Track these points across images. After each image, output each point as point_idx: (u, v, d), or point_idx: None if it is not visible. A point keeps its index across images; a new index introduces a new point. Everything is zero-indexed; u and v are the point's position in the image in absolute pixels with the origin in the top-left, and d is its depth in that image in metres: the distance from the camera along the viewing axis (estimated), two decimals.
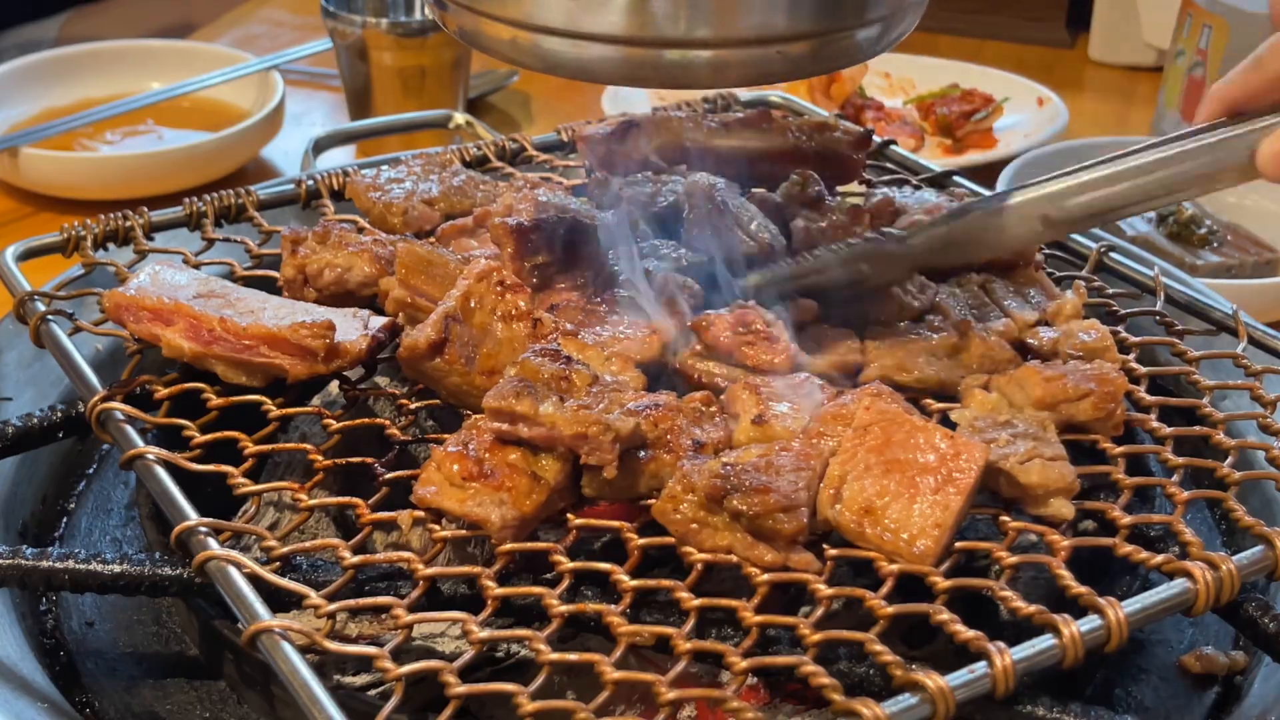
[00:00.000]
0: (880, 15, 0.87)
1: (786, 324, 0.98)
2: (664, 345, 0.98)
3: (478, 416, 0.88)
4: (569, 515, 0.84)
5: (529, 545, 0.81)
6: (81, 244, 1.11)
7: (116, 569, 0.85)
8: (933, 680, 0.67)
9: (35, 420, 0.99)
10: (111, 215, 1.13)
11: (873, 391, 0.90)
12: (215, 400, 0.92)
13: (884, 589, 0.76)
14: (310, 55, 2.09)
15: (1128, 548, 0.80)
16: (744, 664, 0.70)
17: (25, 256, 1.09)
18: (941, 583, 0.76)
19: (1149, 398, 0.96)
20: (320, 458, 0.88)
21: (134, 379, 0.94)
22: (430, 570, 0.78)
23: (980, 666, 0.69)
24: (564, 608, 0.75)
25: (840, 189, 1.24)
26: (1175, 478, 0.88)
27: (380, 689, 0.86)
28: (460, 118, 1.59)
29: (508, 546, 0.80)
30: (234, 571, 0.75)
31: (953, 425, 0.90)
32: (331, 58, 2.00)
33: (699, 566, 0.78)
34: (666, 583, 0.77)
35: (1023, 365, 0.95)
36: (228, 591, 0.75)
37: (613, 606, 0.75)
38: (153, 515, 0.95)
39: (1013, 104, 2.08)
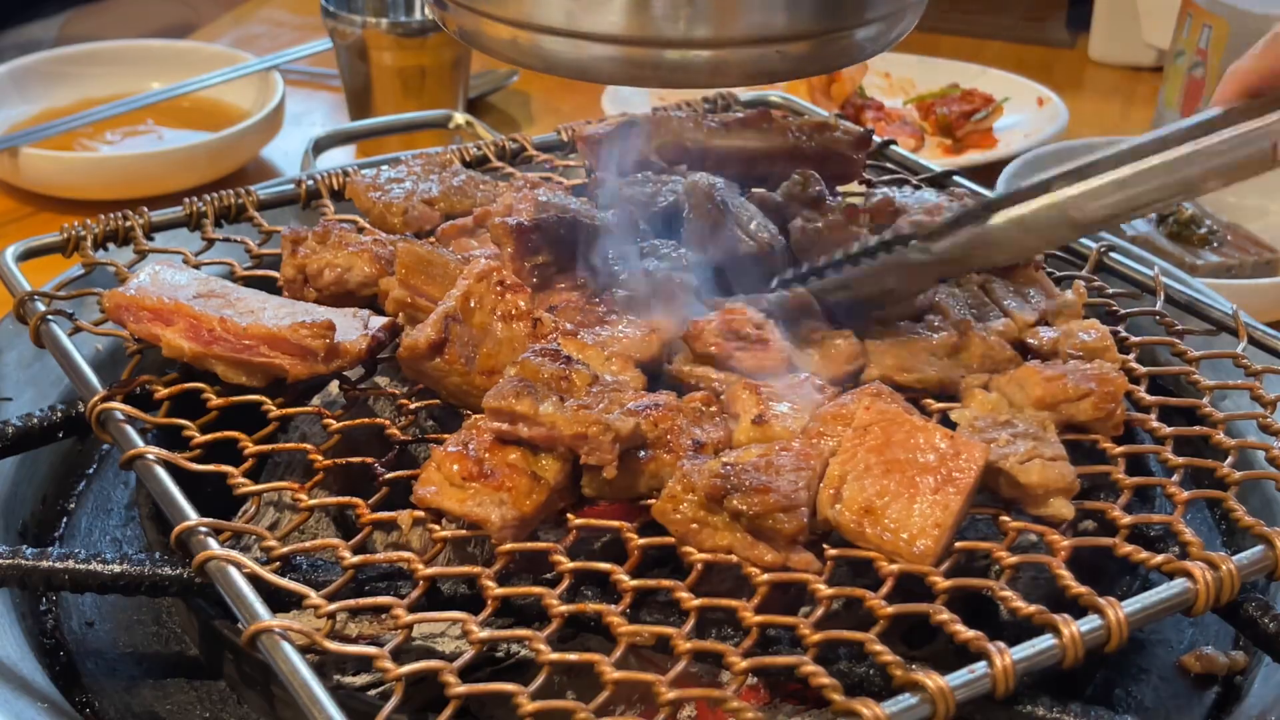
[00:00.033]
0: (880, 15, 0.87)
1: (778, 323, 0.98)
2: (664, 345, 0.98)
3: (478, 416, 0.88)
4: (569, 515, 0.84)
5: (529, 545, 0.81)
6: (81, 244, 1.11)
7: (116, 569, 0.85)
8: (933, 680, 0.67)
9: (35, 420, 0.99)
10: (111, 215, 1.13)
11: (873, 391, 0.90)
12: (215, 400, 0.92)
13: (884, 589, 0.76)
14: (310, 55, 2.09)
15: (1128, 548, 0.80)
16: (744, 664, 0.70)
17: (25, 256, 1.09)
18: (941, 583, 0.76)
19: (1149, 398, 0.96)
20: (320, 458, 0.88)
21: (134, 379, 0.94)
22: (430, 570, 0.78)
23: (980, 666, 0.69)
24: (564, 608, 0.75)
25: (840, 189, 1.24)
26: (1175, 478, 0.88)
27: (380, 689, 0.86)
28: (460, 118, 1.59)
29: (508, 546, 0.80)
30: (234, 571, 0.75)
31: (953, 425, 0.90)
32: (331, 58, 2.00)
33: (699, 566, 0.78)
34: (666, 583, 0.77)
35: (1023, 365, 0.95)
36: (228, 591, 0.75)
37: (613, 606, 0.75)
38: (153, 515, 0.95)
39: (1013, 104, 2.08)
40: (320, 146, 1.50)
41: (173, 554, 0.84)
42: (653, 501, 0.83)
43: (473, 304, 0.94)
